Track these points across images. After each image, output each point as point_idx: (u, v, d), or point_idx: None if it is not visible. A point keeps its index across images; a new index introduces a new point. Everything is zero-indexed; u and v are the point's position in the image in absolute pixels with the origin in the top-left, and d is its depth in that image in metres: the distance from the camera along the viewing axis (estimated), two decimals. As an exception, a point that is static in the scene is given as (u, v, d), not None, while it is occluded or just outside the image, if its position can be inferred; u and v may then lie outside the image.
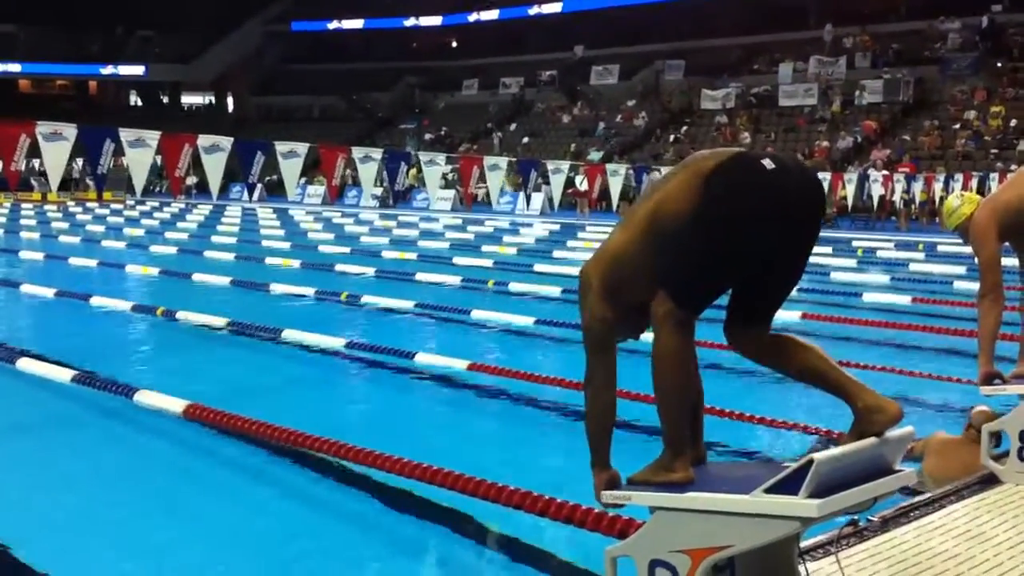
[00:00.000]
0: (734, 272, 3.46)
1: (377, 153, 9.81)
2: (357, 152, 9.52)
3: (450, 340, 11.31)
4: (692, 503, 3.26)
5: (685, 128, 47.35)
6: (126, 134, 8.19)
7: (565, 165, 33.37)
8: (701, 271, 3.41)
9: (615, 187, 31.30)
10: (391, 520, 5.43)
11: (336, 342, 10.26)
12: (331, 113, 63.59)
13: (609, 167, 33.03)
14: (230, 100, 71.51)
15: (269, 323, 11.08)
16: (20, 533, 4.90)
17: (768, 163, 3.44)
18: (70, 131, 7.68)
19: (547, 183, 33.22)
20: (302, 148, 9.44)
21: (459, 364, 8.96)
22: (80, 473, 6.20)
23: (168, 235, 24.56)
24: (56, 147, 7.60)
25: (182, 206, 37.58)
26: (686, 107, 49.56)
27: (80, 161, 37.45)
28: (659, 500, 3.36)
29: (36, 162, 29.88)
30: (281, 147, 9.13)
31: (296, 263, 18.00)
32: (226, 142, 8.90)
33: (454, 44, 66.88)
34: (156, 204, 39.17)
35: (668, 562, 3.26)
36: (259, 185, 32.12)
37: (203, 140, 8.71)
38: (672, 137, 46.44)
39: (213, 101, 72.47)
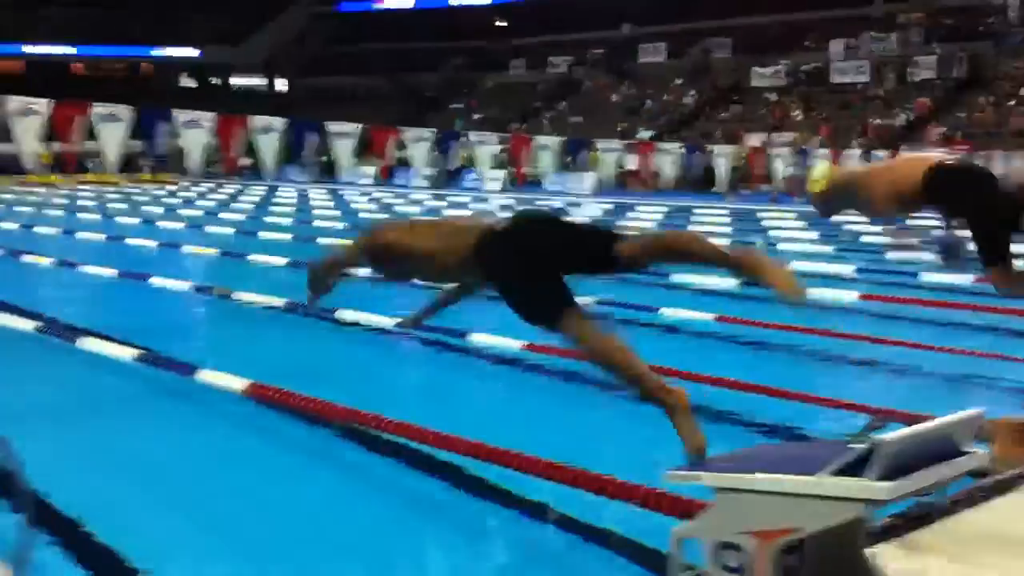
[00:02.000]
0: None
1: (429, 133, 9.79)
2: (409, 132, 9.51)
3: (505, 320, 11.27)
4: (758, 484, 3.25)
5: (734, 106, 46.87)
6: (182, 115, 8.24)
7: (616, 144, 33.20)
8: None
9: (666, 166, 31.11)
10: (450, 500, 5.47)
11: (392, 322, 10.31)
12: (378, 94, 63.80)
13: (660, 146, 32.83)
14: (279, 82, 71.97)
15: (326, 303, 11.14)
16: (85, 510, 4.99)
17: None
18: (126, 112, 7.73)
19: (599, 162, 33.09)
20: (354, 128, 9.44)
21: (515, 344, 8.97)
22: (142, 451, 6.30)
23: (224, 215, 24.83)
24: (112, 128, 7.66)
25: (237, 187, 37.92)
26: (734, 85, 49.03)
27: (136, 142, 37.92)
28: (725, 481, 3.36)
29: (86, 144, 30.25)
30: (333, 127, 9.15)
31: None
32: (279, 123, 8.94)
33: (501, 23, 66.69)
34: (211, 185, 39.53)
35: (736, 543, 3.26)
36: (311, 166, 32.36)
37: (257, 121, 8.75)
38: (721, 115, 46.01)
39: (262, 83, 73.01)
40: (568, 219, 4.78)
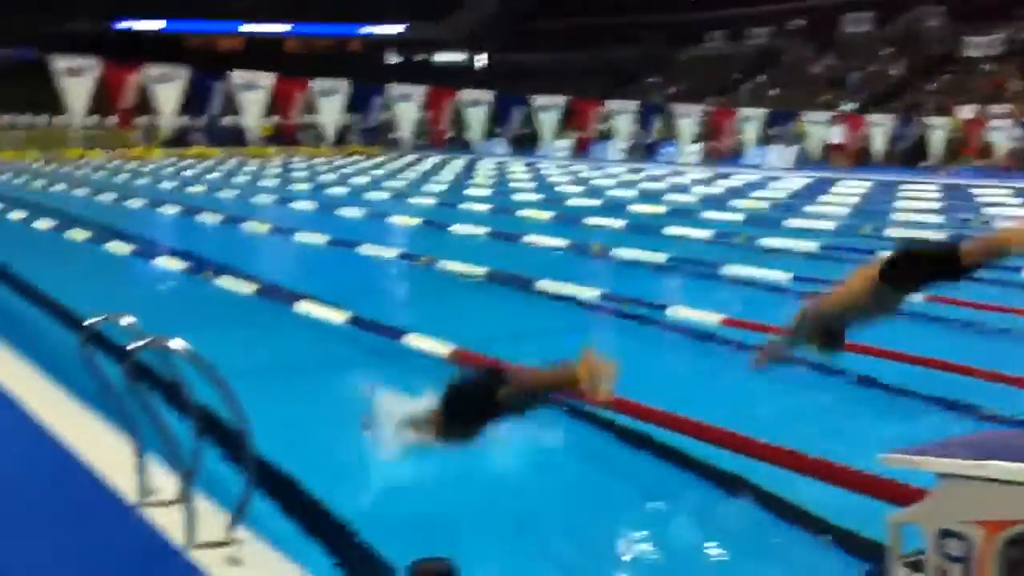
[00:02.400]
0: None
1: (631, 106, 9.76)
2: (612, 104, 9.50)
3: (701, 294, 11.18)
4: (990, 471, 3.10)
5: (944, 77, 44.42)
6: (394, 89, 8.50)
7: (822, 116, 31.99)
8: None
9: (876, 139, 29.75)
10: (650, 471, 5.48)
11: (588, 292, 10.38)
12: (574, 69, 63.78)
13: (870, 118, 31.44)
14: (479, 57, 73.03)
15: (524, 273, 11.36)
16: (302, 465, 5.26)
17: None
18: (343, 87, 8.05)
19: (801, 135, 32.05)
20: (558, 101, 9.51)
21: (712, 318, 8.88)
22: (350, 410, 6.52)
23: (426, 187, 25.50)
24: (330, 102, 7.99)
25: (438, 159, 38.86)
26: (946, 55, 46.44)
27: (350, 116, 39.27)
28: (951, 467, 3.22)
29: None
30: (538, 100, 9.24)
31: (547, 215, 18.31)
32: (487, 96, 9.08)
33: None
34: (415, 157, 40.66)
35: (960, 532, 3.12)
36: (511, 138, 32.67)
37: (465, 94, 8.93)
38: (930, 86, 43.71)
39: (463, 59, 74.27)
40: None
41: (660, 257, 12.85)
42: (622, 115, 10.02)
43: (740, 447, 5.23)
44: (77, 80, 5.35)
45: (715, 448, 5.37)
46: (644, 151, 35.52)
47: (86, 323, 4.50)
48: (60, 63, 5.38)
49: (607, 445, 5.92)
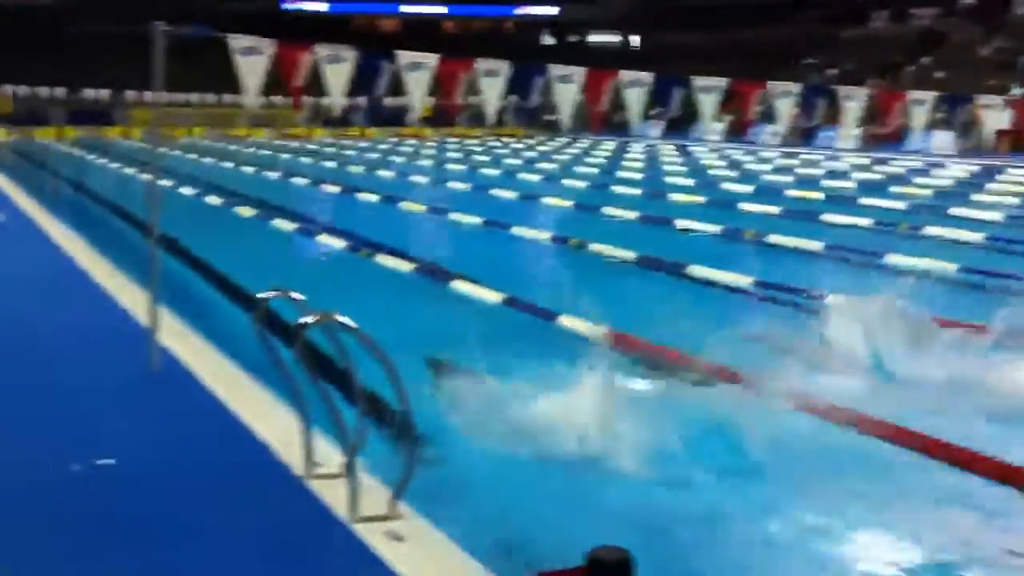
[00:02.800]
0: None
1: (794, 88, 9.58)
2: (774, 86, 9.34)
3: (861, 283, 10.88)
4: None
5: None
6: (555, 70, 8.59)
7: (993, 101, 30.54)
8: None
9: (1051, 126, 28.23)
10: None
11: (742, 279, 10.27)
12: (730, 48, 62.56)
13: (1045, 104, 29.82)
14: (634, 38, 72.43)
15: (676, 258, 11.32)
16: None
17: None
18: (504, 68, 8.19)
19: (972, 121, 30.65)
20: (719, 83, 9.42)
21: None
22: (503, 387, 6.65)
23: (578, 169, 25.57)
24: (492, 83, 8.14)
25: (591, 141, 38.89)
26: None
27: (509, 97, 39.66)
28: None
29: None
30: (699, 82, 9.17)
31: (700, 199, 18.14)
32: (647, 77, 9.07)
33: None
34: (566, 139, 40.80)
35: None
36: (664, 121, 32.33)
37: (624, 76, 8.94)
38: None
39: (615, 39, 73.80)
40: None
41: (816, 245, 12.57)
42: (785, 97, 9.82)
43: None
44: (252, 60, 5.63)
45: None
46: (802, 135, 34.66)
47: (258, 296, 4.73)
48: (236, 42, 5.69)
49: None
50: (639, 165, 27.61)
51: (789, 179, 23.29)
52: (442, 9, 68.80)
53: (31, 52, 55.49)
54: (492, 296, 9.12)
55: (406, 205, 17.11)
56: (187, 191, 18.43)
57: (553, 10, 67.93)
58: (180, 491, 4.53)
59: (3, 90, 45.99)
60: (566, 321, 7.95)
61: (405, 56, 7.35)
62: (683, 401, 6.33)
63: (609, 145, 36.69)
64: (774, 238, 13.21)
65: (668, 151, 34.57)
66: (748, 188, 20.66)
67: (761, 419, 5.61)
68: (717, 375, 6.60)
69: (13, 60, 52.52)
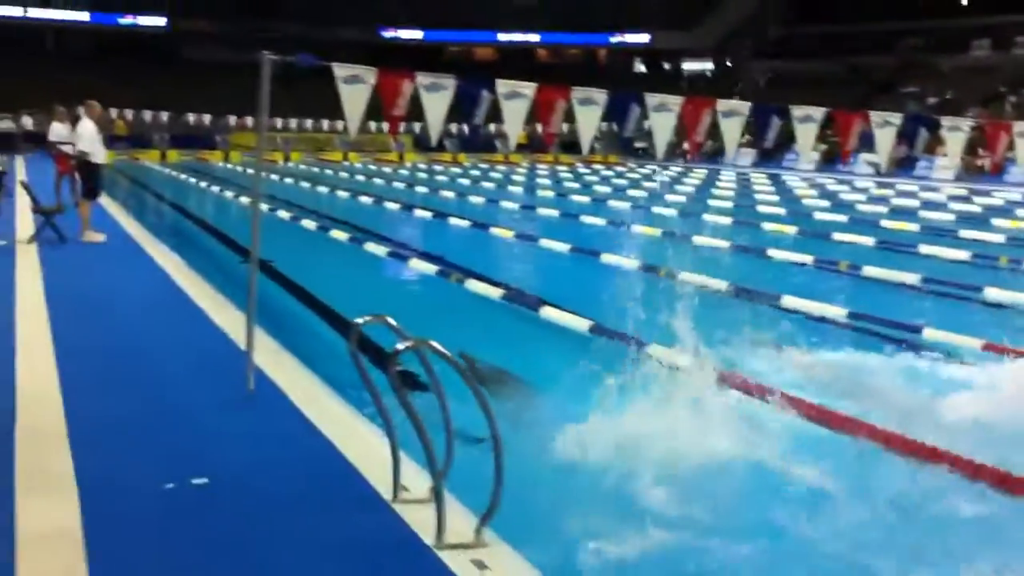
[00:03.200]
0: None
1: (895, 118, 9.40)
2: (874, 116, 9.18)
3: (958, 317, 10.63)
4: None
5: None
6: (652, 99, 8.59)
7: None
8: None
9: None
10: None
11: (836, 311, 10.11)
12: (826, 77, 61.78)
13: None
14: (728, 65, 72.01)
15: (768, 288, 11.18)
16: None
17: None
18: (601, 96, 8.22)
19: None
20: (818, 113, 9.31)
21: (972, 343, 8.46)
22: (584, 416, 6.64)
23: (668, 197, 25.46)
24: (588, 111, 8.17)
25: (682, 169, 38.73)
26: None
27: (603, 125, 39.85)
28: None
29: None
30: (798, 112, 9.07)
31: (792, 229, 17.90)
32: (744, 107, 9.00)
33: (963, 1, 61.65)
34: (658, 166, 40.68)
35: None
36: (762, 150, 31.99)
37: (722, 105, 8.89)
38: None
39: (709, 67, 73.48)
40: None
41: (913, 277, 12.30)
42: (885, 127, 9.61)
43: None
44: (355, 88, 5.75)
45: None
46: (898, 165, 34.01)
47: (353, 322, 4.81)
48: (340, 71, 5.82)
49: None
50: (729, 194, 27.37)
51: (884, 209, 22.87)
52: (535, 37, 69.39)
53: (139, 76, 57.53)
54: (580, 324, 9.12)
55: (496, 231, 17.22)
56: (283, 214, 18.83)
57: (645, 38, 67.94)
58: (268, 512, 4.61)
59: (123, 113, 47.77)
60: (656, 351, 7.91)
61: (504, 85, 7.43)
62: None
63: (700, 173, 36.47)
64: (869, 270, 12.97)
65: (760, 180, 34.22)
66: (842, 218, 20.34)
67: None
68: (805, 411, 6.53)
69: (122, 82, 54.50)
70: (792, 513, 4.96)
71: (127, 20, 61.54)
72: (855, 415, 6.48)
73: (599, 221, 19.04)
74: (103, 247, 13.43)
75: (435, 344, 4.10)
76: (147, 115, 48.83)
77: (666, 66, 73.65)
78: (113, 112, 45.68)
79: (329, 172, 36.32)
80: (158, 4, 62.23)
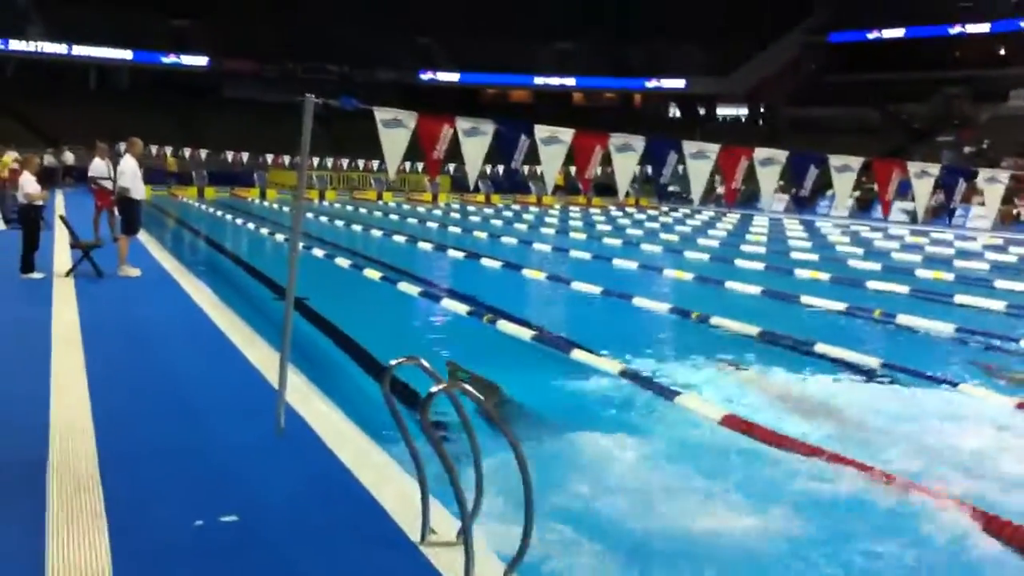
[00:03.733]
0: None
1: (933, 168, 9.38)
2: (912, 167, 9.17)
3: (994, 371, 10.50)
4: None
5: None
6: (689, 146, 8.63)
7: None
8: None
9: None
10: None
11: (870, 361, 10.02)
12: (863, 125, 61.71)
13: None
14: (762, 111, 72.10)
15: (801, 335, 11.12)
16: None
17: None
18: (639, 143, 8.27)
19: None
20: (855, 162, 9.29)
21: (1005, 402, 8.36)
22: (617, 460, 6.61)
23: (700, 242, 25.43)
24: (626, 157, 8.22)
25: (714, 213, 38.72)
26: None
27: (642, 169, 40.06)
28: None
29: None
30: (835, 161, 9.06)
31: (825, 276, 17.81)
32: (781, 155, 9.02)
33: (1002, 52, 61.50)
34: (691, 210, 40.68)
35: None
36: (799, 198, 32.02)
37: (759, 153, 8.90)
38: None
39: (743, 112, 73.60)
40: None
41: (947, 328, 12.19)
42: (923, 178, 9.55)
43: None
44: (395, 131, 5.82)
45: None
46: (934, 214, 33.83)
47: (387, 365, 4.82)
48: (381, 114, 5.89)
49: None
50: (761, 239, 27.30)
51: (918, 258, 22.72)
52: (571, 81, 69.90)
53: (179, 114, 58.43)
54: (612, 366, 9.11)
55: (528, 272, 17.26)
56: (318, 252, 18.98)
57: (681, 83, 68.20)
58: (297, 551, 4.62)
59: (163, 150, 48.62)
60: (686, 400, 7.89)
61: (542, 130, 7.49)
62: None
63: (732, 218, 36.44)
64: (903, 319, 12.87)
65: (793, 226, 34.13)
66: (875, 266, 20.22)
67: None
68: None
69: (163, 120, 55.37)
70: None
71: (170, 59, 62.59)
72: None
73: (631, 264, 19.03)
74: (139, 281, 13.58)
75: (468, 388, 4.11)
76: (186, 152, 49.52)
77: (701, 110, 73.82)
78: (158, 148, 46.42)
79: (363, 211, 36.62)
80: (200, 44, 63.31)
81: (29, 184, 13.95)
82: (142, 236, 17.49)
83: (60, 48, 58.85)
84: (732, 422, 7.26)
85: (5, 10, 57.68)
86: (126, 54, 61.05)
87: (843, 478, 6.20)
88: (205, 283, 13.77)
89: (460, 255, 20.40)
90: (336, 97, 6.61)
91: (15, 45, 57.53)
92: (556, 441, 6.91)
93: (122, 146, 14.43)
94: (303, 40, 63.20)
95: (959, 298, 15.12)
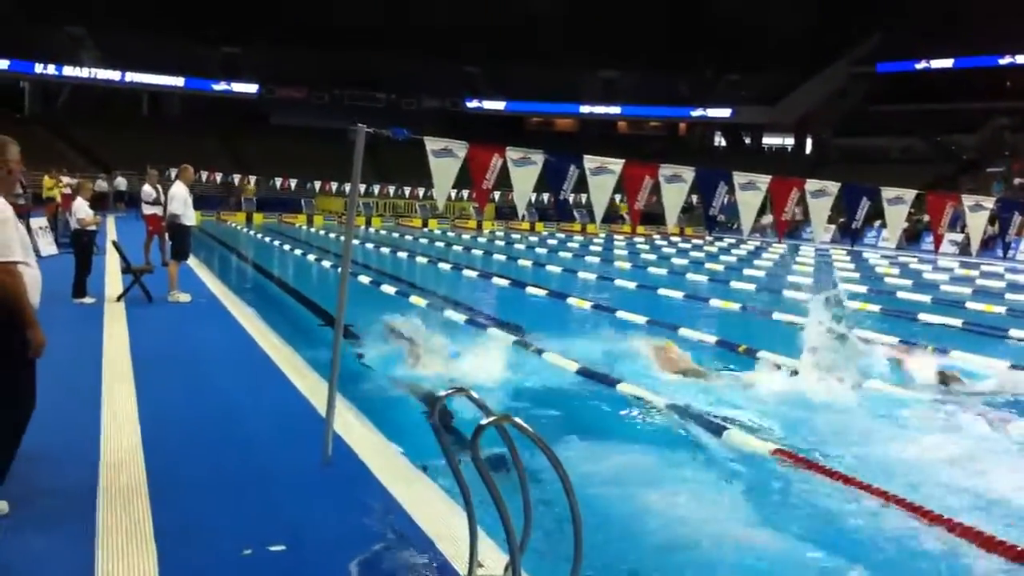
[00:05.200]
0: None
1: (987, 202, 9.26)
2: (966, 200, 9.07)
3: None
4: None
5: None
6: (739, 177, 8.60)
7: None
8: None
9: None
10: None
11: (923, 395, 9.87)
12: (911, 155, 61.19)
13: None
14: (809, 141, 71.71)
15: (849, 369, 10.96)
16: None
17: None
18: (688, 174, 8.25)
19: None
20: (908, 194, 9.22)
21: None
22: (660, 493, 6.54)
23: (746, 272, 25.26)
24: (675, 188, 8.20)
25: (759, 243, 38.48)
26: None
27: (694, 198, 39.94)
28: None
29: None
30: (888, 193, 8.99)
31: (874, 308, 17.60)
32: (832, 186, 8.96)
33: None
34: (732, 241, 40.45)
35: None
36: (851, 229, 31.77)
37: (811, 184, 8.85)
38: None
39: (789, 142, 73.25)
40: None
41: (1001, 364, 11.96)
42: (978, 211, 9.41)
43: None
44: (445, 161, 5.86)
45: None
46: (985, 246, 33.41)
47: (436, 396, 4.81)
48: (431, 144, 5.94)
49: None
50: (807, 270, 27.04)
51: (968, 290, 22.37)
52: (616, 110, 69.99)
53: (229, 140, 59.30)
54: (657, 400, 9.04)
55: (572, 301, 17.21)
56: (364, 279, 19.08)
57: (727, 112, 68.03)
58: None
59: (225, 177, 49.39)
60: (734, 437, 7.80)
61: (592, 160, 7.50)
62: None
63: (779, 248, 36.17)
64: (955, 354, 12.64)
65: (840, 256, 33.80)
66: (924, 298, 19.95)
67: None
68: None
69: (213, 146, 56.21)
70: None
71: (220, 86, 63.57)
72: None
73: (677, 294, 18.93)
74: (188, 307, 13.73)
75: (518, 420, 4.08)
76: (235, 178, 50.16)
77: (747, 140, 73.57)
78: (208, 174, 47.11)
79: (409, 237, 36.81)
80: (250, 71, 64.27)
81: (82, 209, 14.20)
82: (192, 262, 17.70)
83: (113, 75, 59.99)
84: (783, 455, 7.17)
85: (60, 37, 58.99)
86: (178, 81, 62.10)
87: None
88: (253, 309, 13.89)
89: (505, 283, 20.41)
90: (383, 124, 6.67)
91: (69, 71, 58.71)
92: (606, 477, 6.85)
93: (172, 172, 14.65)
94: (350, 68, 63.95)
95: (1013, 332, 14.86)
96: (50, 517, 5.31)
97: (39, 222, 21.23)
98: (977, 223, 8.98)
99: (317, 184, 52.00)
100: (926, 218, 32.71)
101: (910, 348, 12.66)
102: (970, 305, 19.05)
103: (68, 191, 24.88)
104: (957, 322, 15.98)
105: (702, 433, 8.10)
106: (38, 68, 57.74)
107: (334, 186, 51.58)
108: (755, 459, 7.35)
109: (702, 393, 9.80)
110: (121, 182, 46.57)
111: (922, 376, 11.04)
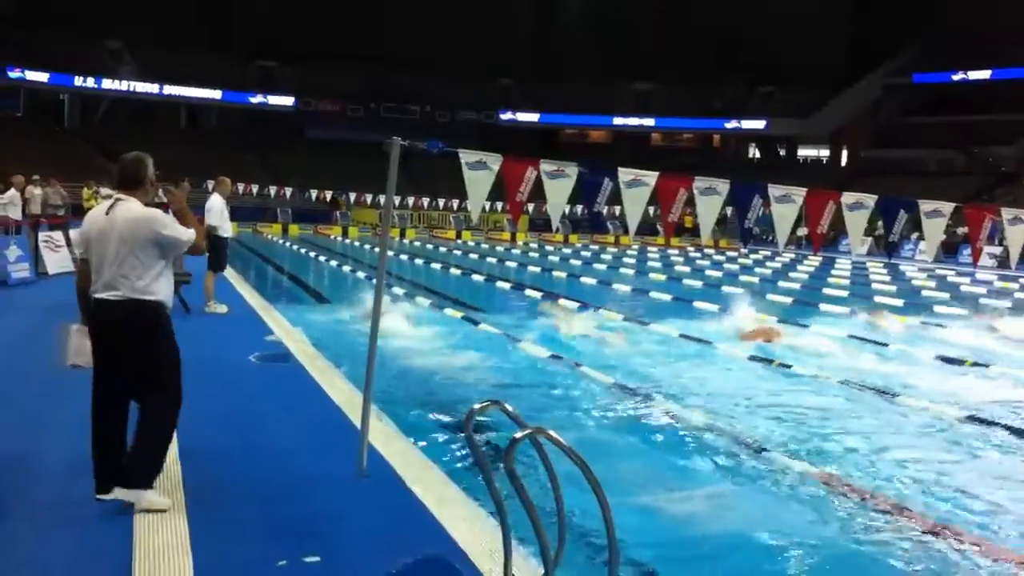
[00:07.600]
0: None
1: (1025, 215, 9.21)
2: (1007, 213, 8.99)
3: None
4: None
5: None
6: (775, 190, 8.56)
7: None
8: None
9: None
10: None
11: (954, 412, 9.79)
12: (948, 167, 60.66)
13: None
14: (843, 153, 71.24)
15: (886, 386, 10.90)
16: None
17: None
18: (723, 186, 8.23)
19: None
20: (947, 207, 9.17)
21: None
22: (700, 515, 6.51)
23: (781, 284, 25.11)
24: (710, 201, 8.19)
25: (794, 255, 38.25)
26: None
27: (728, 210, 39.88)
28: None
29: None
30: (926, 206, 8.93)
31: (912, 320, 17.48)
32: (869, 199, 8.90)
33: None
34: (768, 253, 40.23)
35: None
36: (888, 242, 31.55)
37: (848, 197, 8.80)
38: None
39: (824, 154, 72.80)
40: None
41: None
42: (1017, 224, 9.30)
43: None
44: (480, 174, 5.89)
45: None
46: (1022, 259, 33.00)
47: (471, 409, 4.82)
48: (466, 157, 5.97)
49: None
50: (843, 283, 26.83)
51: (1007, 303, 22.11)
52: (650, 122, 69.91)
53: (266, 152, 59.83)
54: (695, 417, 9.01)
55: (606, 314, 17.16)
56: (397, 291, 19.16)
57: (761, 124, 67.74)
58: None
59: (261, 189, 49.97)
60: (777, 456, 7.76)
61: (626, 173, 7.50)
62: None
63: (814, 260, 35.93)
64: (994, 370, 12.52)
65: (876, 269, 33.52)
66: (962, 311, 19.75)
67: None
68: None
69: (250, 158, 56.72)
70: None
71: (257, 99, 64.18)
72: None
73: (712, 307, 18.83)
74: (225, 318, 13.84)
75: (552, 433, 4.09)
76: (272, 190, 50.52)
77: (781, 152, 73.21)
78: (245, 185, 47.58)
79: (443, 249, 36.92)
80: (287, 84, 64.87)
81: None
82: (229, 273, 17.84)
83: (152, 88, 60.73)
84: (827, 479, 7.15)
85: (99, 51, 59.81)
86: (215, 94, 62.75)
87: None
88: (289, 320, 13.99)
89: (538, 295, 20.41)
90: (417, 137, 6.70)
91: (108, 84, 59.50)
92: (644, 491, 6.84)
93: (210, 184, 14.79)
94: (385, 81, 64.35)
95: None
96: (87, 521, 5.38)
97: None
98: (1016, 236, 8.88)
99: (352, 196, 52.31)
100: (963, 230, 32.41)
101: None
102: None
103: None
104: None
105: (741, 450, 8.05)
106: (78, 81, 58.56)
107: (368, 198, 51.86)
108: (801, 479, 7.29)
109: (736, 410, 9.76)
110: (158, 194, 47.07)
111: None
